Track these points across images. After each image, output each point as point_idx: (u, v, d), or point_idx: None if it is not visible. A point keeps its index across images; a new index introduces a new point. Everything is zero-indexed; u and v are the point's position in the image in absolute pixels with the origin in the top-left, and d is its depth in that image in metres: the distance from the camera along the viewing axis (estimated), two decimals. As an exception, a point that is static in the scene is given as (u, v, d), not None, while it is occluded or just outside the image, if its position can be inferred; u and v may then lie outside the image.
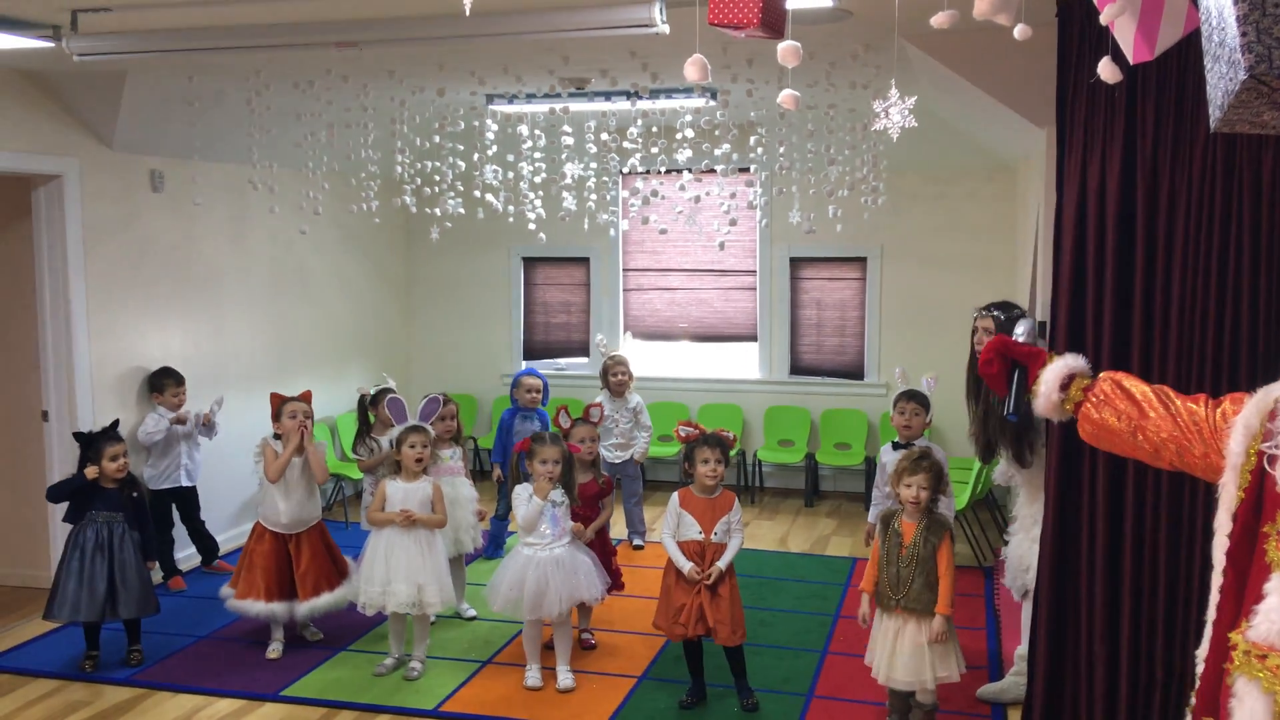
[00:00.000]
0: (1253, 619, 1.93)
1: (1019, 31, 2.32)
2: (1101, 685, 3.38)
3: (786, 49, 2.16)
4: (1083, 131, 3.35)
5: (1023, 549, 4.12)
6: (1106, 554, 3.35)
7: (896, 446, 4.78)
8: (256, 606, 4.80)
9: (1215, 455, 2.11)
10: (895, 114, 2.33)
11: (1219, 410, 2.15)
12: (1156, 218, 3.24)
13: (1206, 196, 3.15)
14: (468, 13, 1.93)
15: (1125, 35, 2.31)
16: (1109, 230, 3.30)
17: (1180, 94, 3.15)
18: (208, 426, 5.89)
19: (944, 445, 7.58)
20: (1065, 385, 2.41)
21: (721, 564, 4.26)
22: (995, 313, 4.07)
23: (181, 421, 5.77)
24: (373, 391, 5.42)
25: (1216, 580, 2.06)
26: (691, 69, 2.17)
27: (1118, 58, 2.34)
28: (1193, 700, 2.09)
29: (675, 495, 4.41)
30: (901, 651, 3.89)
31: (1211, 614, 2.07)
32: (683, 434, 4.44)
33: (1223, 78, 1.88)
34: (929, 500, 3.95)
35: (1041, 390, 2.45)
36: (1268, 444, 1.96)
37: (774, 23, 2.02)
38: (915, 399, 4.80)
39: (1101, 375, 2.39)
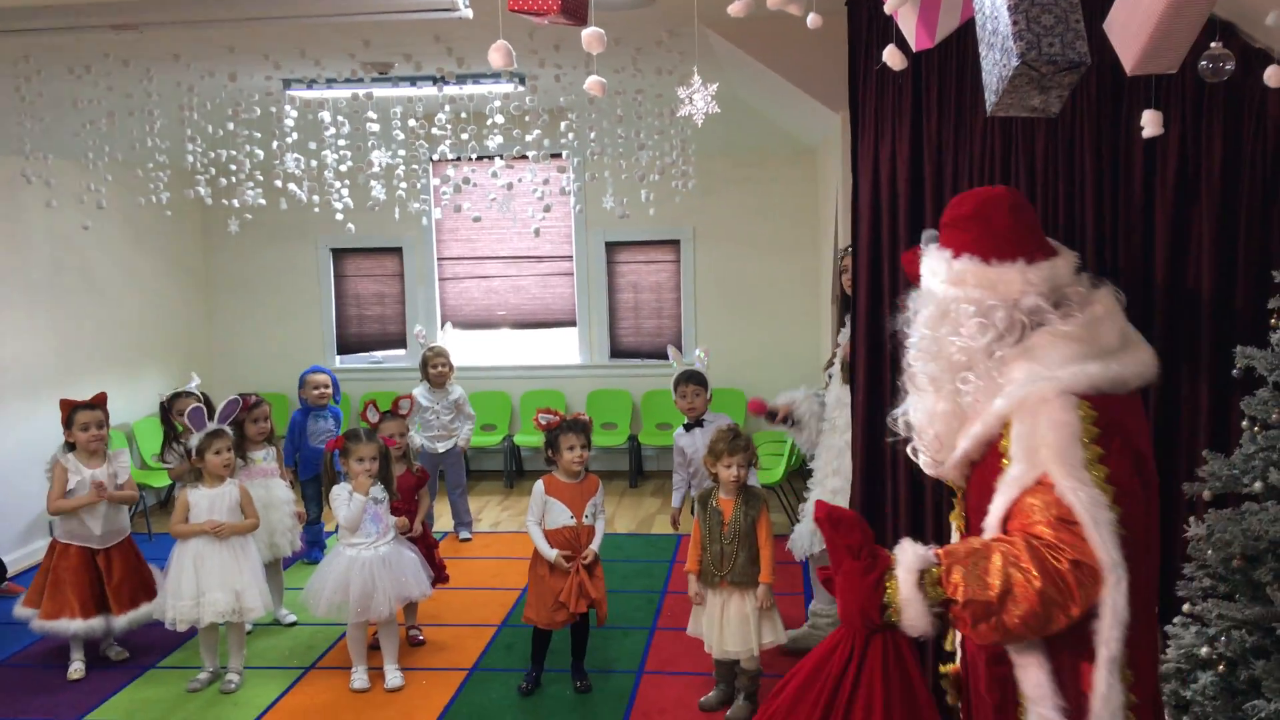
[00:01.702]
0: None
1: (811, 20, 2.41)
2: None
3: (590, 35, 2.16)
4: (873, 115, 3.51)
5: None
6: (909, 508, 3.53)
7: (689, 428, 4.89)
8: (73, 625, 4.49)
9: None
10: (699, 100, 2.38)
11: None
12: (944, 195, 3.43)
13: (988, 174, 3.36)
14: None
15: (908, 24, 2.44)
16: (901, 208, 3.47)
17: (960, 77, 3.34)
18: None
19: (760, 420, 7.87)
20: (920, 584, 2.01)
21: (595, 546, 4.31)
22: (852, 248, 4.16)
23: None
24: (169, 395, 5.13)
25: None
26: (496, 55, 2.14)
27: (902, 45, 2.47)
28: None
29: (540, 483, 4.36)
30: (729, 623, 4.01)
31: None
32: (543, 422, 4.38)
33: (996, 64, 2.02)
34: (745, 476, 4.08)
35: (904, 606, 2.00)
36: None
37: (575, 10, 2.02)
38: (694, 380, 4.93)
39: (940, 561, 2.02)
